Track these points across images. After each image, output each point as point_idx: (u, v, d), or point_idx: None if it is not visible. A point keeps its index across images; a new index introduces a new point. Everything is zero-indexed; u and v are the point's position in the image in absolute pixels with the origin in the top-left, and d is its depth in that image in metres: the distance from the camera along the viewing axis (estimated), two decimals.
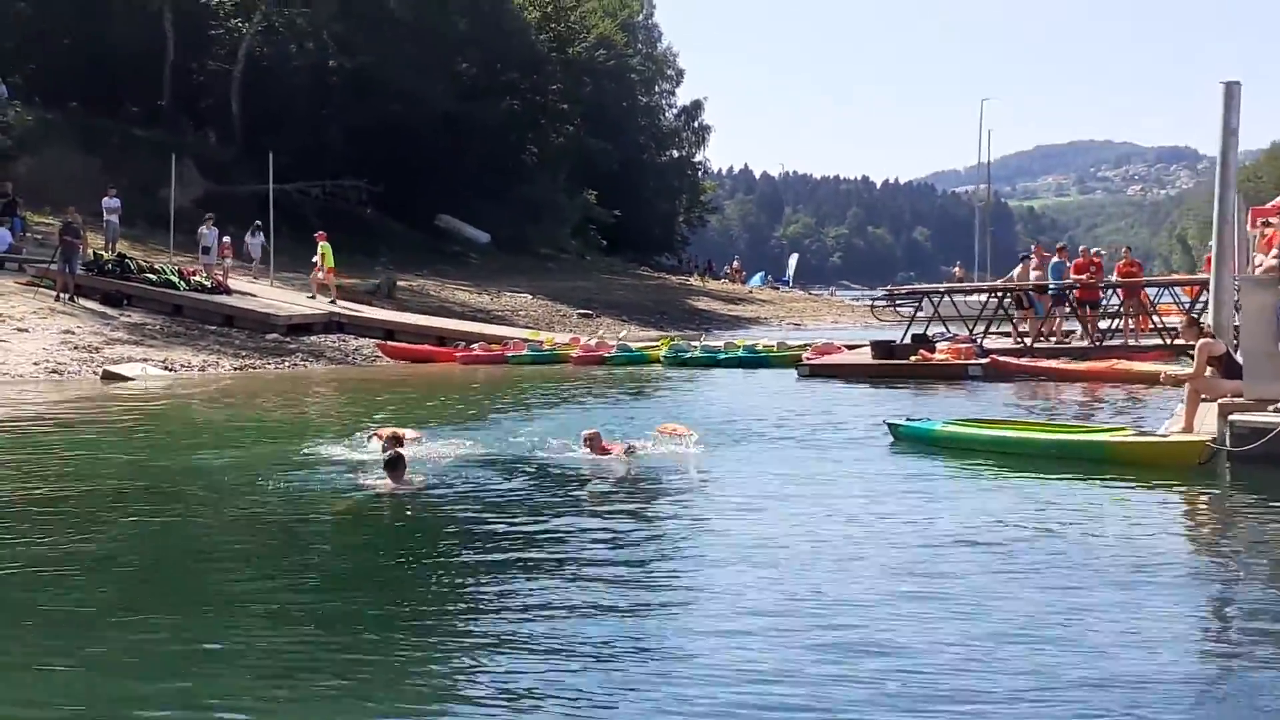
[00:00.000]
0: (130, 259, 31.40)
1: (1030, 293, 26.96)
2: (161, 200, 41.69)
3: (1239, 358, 13.09)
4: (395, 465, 11.71)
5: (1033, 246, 29.79)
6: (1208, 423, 13.34)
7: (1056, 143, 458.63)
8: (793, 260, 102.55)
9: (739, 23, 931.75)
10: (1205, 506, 11.36)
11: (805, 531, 9.88)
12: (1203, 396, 13.35)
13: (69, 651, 6.94)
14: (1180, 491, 11.68)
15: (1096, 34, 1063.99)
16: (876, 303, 40.61)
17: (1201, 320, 14.97)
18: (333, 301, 33.57)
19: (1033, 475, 12.40)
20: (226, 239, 33.75)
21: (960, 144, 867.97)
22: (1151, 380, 21.88)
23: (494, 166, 55.44)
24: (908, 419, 15.47)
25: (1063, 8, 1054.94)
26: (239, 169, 48.32)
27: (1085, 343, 25.45)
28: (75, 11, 49.40)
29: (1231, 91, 16.14)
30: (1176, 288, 30.61)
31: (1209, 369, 13.17)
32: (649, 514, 10.88)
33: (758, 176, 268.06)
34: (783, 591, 8.07)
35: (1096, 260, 26.60)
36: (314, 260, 34.43)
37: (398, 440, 13.02)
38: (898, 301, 36.55)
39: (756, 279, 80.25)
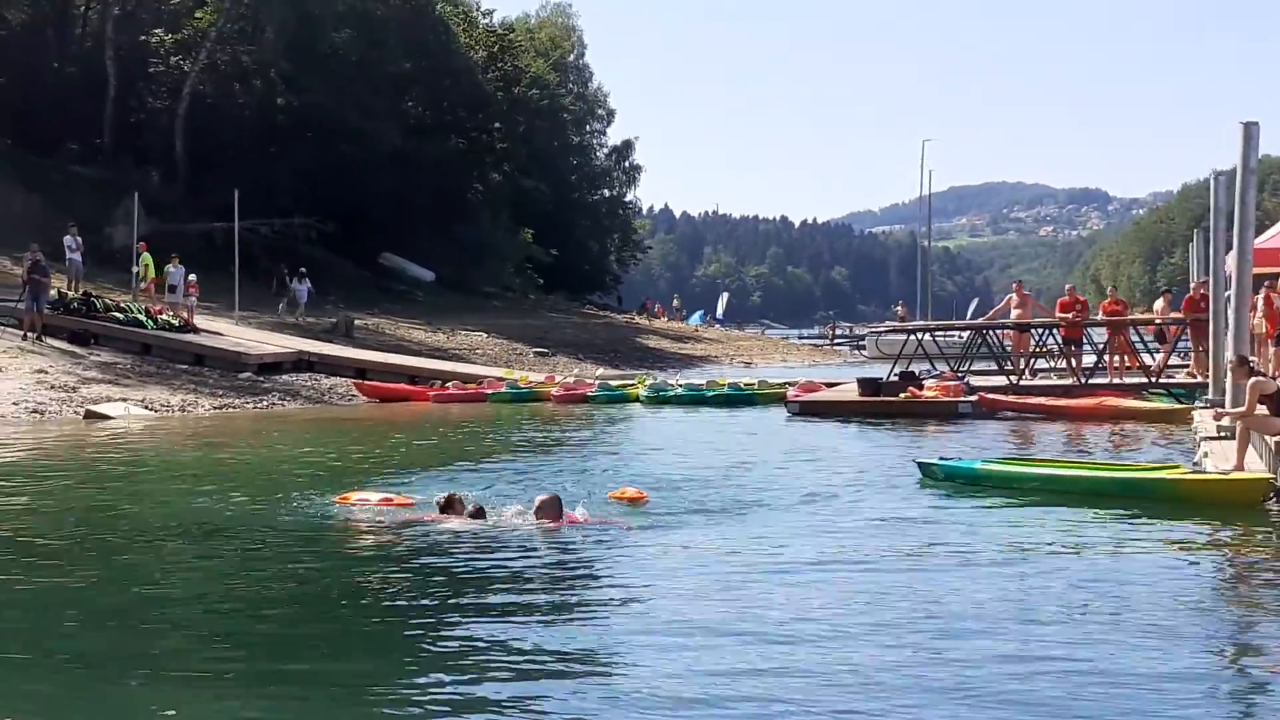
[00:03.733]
0: (97, 297, 30.80)
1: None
2: (105, 238, 41.06)
3: None
4: (452, 506, 12.02)
5: (1014, 285, 29.98)
6: (1251, 460, 13.44)
7: (970, 184, 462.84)
8: (723, 299, 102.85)
9: (661, 65, 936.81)
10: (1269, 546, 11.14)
11: (882, 596, 8.94)
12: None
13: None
14: (1239, 529, 11.54)
15: (1008, 77, 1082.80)
16: (869, 339, 40.56)
17: (1250, 359, 15.06)
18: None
19: (1088, 515, 12.28)
20: (193, 277, 33.14)
21: (876, 185, 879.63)
22: (1139, 417, 22.28)
23: (440, 205, 55.08)
24: (941, 458, 15.39)
25: (976, 51, 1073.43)
26: (183, 207, 47.56)
27: (1070, 380, 25.67)
28: (12, 48, 48.69)
29: (1250, 132, 16.42)
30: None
31: (1261, 407, 13.24)
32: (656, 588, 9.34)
33: (678, 216, 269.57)
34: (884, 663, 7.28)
35: (1081, 300, 26.94)
36: (135, 270, 33.87)
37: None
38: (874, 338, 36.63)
39: (696, 317, 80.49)
